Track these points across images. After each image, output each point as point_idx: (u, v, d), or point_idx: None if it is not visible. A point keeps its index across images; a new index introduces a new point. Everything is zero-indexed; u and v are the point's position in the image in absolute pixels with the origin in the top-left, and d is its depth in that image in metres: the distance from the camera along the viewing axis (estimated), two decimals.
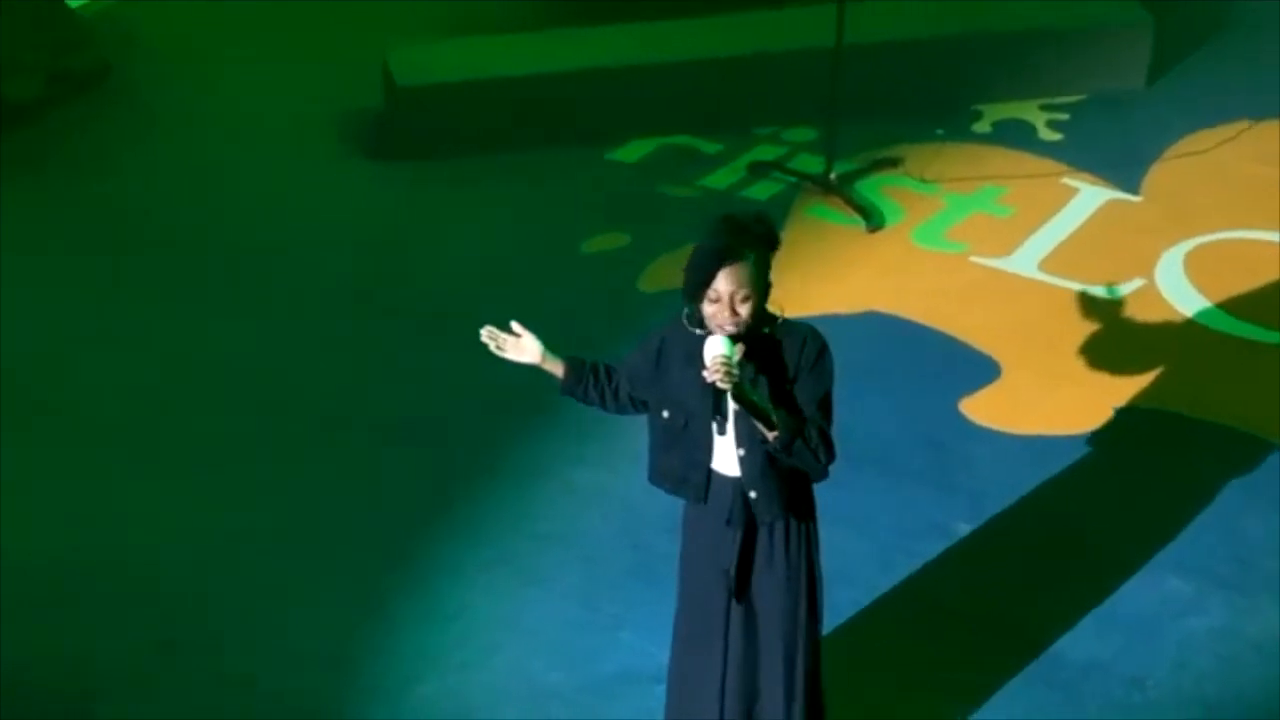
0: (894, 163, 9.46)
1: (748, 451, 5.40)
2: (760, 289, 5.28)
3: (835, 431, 5.42)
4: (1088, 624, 6.67)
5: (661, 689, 5.91)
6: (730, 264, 5.22)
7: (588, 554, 6.95)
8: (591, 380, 5.61)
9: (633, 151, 9.65)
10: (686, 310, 5.40)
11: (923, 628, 6.68)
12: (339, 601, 6.79)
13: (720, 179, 9.43)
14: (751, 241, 5.25)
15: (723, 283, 5.22)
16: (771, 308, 5.39)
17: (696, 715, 5.77)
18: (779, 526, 5.52)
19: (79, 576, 6.93)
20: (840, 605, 6.71)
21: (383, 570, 6.92)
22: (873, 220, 8.98)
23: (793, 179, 9.34)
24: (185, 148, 9.73)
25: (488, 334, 5.61)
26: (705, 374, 5.19)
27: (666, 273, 8.64)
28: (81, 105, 10.11)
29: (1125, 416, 7.67)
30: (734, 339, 5.28)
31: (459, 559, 6.96)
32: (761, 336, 5.35)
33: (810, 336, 5.42)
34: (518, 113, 9.61)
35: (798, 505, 5.52)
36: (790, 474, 5.45)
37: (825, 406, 5.42)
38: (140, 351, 8.18)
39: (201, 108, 10.07)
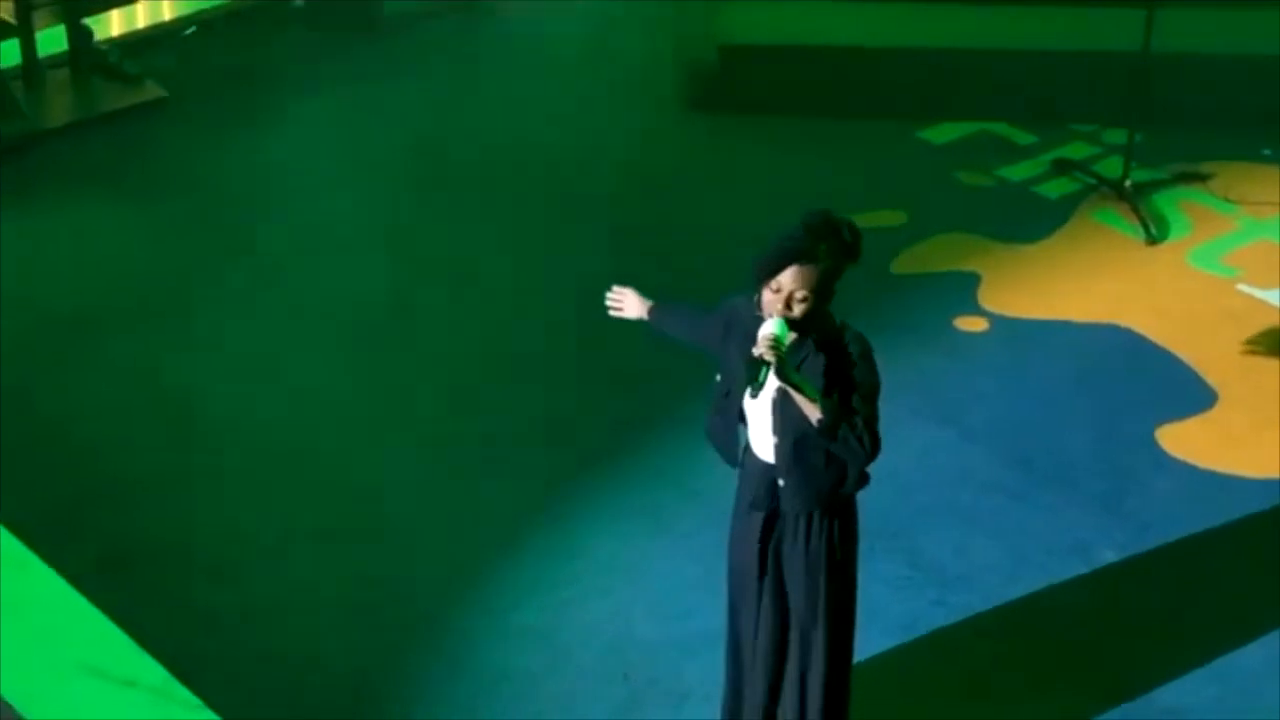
0: (1201, 177, 9.24)
1: (781, 439, 5.52)
2: (822, 293, 5.37)
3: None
4: (1190, 671, 6.52)
5: None
6: (801, 264, 5.33)
7: (724, 514, 7.12)
8: (675, 313, 5.92)
9: (945, 133, 9.68)
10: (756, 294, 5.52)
11: (1018, 645, 6.63)
12: (481, 519, 7.15)
13: (1020, 171, 9.40)
14: (831, 248, 5.34)
15: (787, 278, 5.34)
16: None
17: (739, 684, 5.98)
18: (803, 518, 5.65)
19: (268, 459, 7.48)
20: (953, 608, 6.76)
21: (528, 499, 7.24)
22: (1152, 233, 8.82)
23: (1091, 180, 9.24)
24: (529, 75, 10.26)
25: (611, 298, 6.00)
26: (754, 349, 5.34)
27: (922, 258, 8.72)
28: (452, 23, 10.73)
29: None
30: (789, 325, 5.40)
31: (602, 502, 7.23)
32: (819, 336, 5.44)
33: (855, 339, 5.47)
34: (838, 81, 9.76)
35: (827, 500, 5.63)
36: (823, 469, 5.56)
37: (871, 401, 5.47)
38: (411, 262, 8.72)
39: (558, 39, 10.58)
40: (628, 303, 6.03)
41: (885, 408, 5.52)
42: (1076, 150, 9.50)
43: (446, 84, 10.22)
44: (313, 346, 8.12)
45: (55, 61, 10.03)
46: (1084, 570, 6.93)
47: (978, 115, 9.74)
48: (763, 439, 5.59)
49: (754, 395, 5.48)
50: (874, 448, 5.45)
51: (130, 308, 8.34)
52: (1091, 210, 9.04)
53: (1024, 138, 9.61)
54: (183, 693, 6.34)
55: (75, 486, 7.30)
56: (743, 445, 5.71)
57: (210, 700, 6.30)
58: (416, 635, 6.63)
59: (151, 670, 6.41)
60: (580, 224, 8.99)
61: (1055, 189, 9.22)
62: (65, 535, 7.02)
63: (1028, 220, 8.98)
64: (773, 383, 5.43)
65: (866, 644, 6.49)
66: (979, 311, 8.31)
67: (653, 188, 9.27)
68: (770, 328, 5.32)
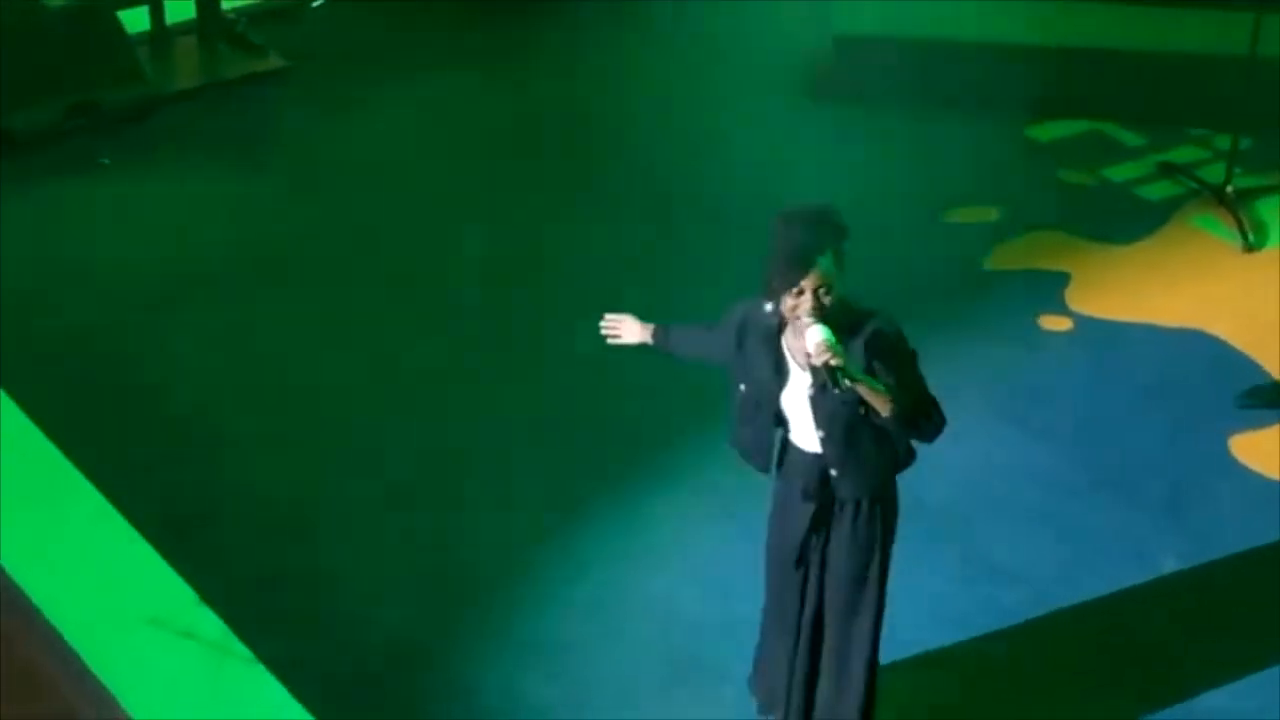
0: None
1: (828, 434, 5.55)
2: (838, 279, 5.41)
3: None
4: (1237, 677, 6.50)
5: None
6: (815, 266, 5.37)
7: None
8: (683, 333, 5.96)
9: (1053, 130, 9.65)
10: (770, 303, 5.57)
11: (1066, 645, 6.64)
12: (543, 495, 7.28)
13: (1124, 172, 9.35)
14: (829, 236, 5.40)
15: (809, 280, 5.37)
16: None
17: (772, 680, 6.07)
18: (851, 505, 5.70)
19: (346, 426, 7.67)
20: (1003, 604, 6.78)
21: (594, 478, 7.35)
22: (1249, 240, 8.74)
23: (1193, 184, 9.17)
24: (644, 62, 10.37)
25: (606, 326, 6.04)
26: (818, 359, 5.33)
27: (1014, 254, 8.72)
28: (565, 11, 10.85)
29: None
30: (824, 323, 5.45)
31: (662, 483, 7.32)
32: (846, 321, 5.49)
33: (880, 316, 5.50)
34: (948, 74, 9.75)
35: (876, 487, 5.69)
36: (875, 454, 5.60)
37: (917, 371, 5.53)
38: (514, 243, 8.84)
39: (675, 27, 10.67)
40: (625, 329, 6.06)
41: (956, 402, 5.62)
42: (1185, 154, 9.42)
43: (565, 69, 10.32)
44: (403, 319, 8.29)
45: (184, 29, 10.27)
46: (1140, 576, 6.90)
47: (1089, 114, 9.68)
48: (807, 433, 5.63)
49: (836, 385, 5.45)
50: (942, 417, 5.53)
51: (235, 274, 8.55)
52: (1191, 215, 8.97)
53: (1133, 139, 9.55)
54: (240, 647, 6.53)
55: (162, 445, 7.53)
56: (777, 445, 5.73)
57: (265, 656, 6.47)
58: (469, 604, 6.78)
59: (211, 624, 6.60)
60: (685, 210, 9.04)
61: (1157, 191, 9.17)
62: (145, 493, 7.24)
63: (1125, 222, 8.94)
64: (806, 379, 5.48)
65: (917, 638, 6.57)
66: (1065, 311, 8.30)
67: (759, 176, 9.30)
68: (818, 335, 5.34)
